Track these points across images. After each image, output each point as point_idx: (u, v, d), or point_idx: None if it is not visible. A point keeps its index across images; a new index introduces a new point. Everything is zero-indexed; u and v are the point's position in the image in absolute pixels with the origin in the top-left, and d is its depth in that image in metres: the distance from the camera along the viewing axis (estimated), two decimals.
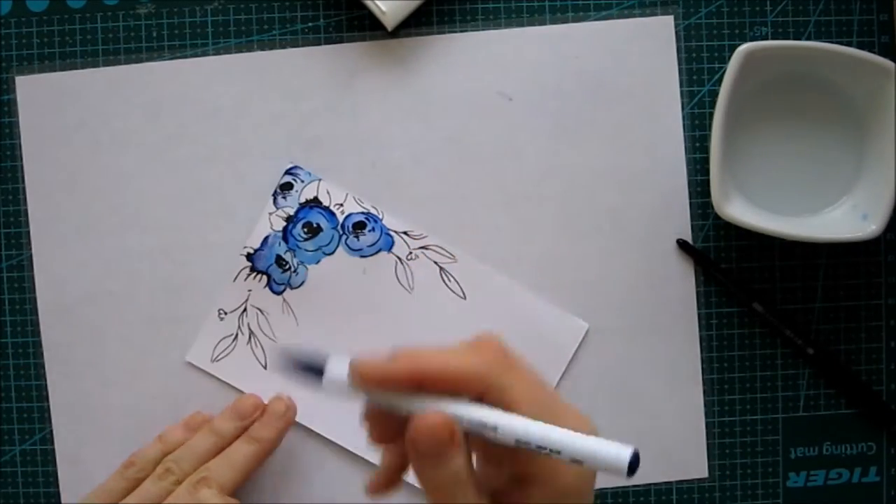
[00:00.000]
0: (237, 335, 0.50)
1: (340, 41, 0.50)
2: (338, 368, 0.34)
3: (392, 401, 0.34)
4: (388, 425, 0.35)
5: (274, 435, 0.47)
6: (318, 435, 0.50)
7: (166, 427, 0.49)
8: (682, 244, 0.51)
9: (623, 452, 0.32)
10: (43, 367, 0.50)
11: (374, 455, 0.49)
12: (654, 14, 0.50)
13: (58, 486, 0.50)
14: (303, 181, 0.50)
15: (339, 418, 0.50)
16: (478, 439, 0.34)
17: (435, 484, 0.33)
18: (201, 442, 0.47)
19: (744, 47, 0.46)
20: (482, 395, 0.33)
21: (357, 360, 0.34)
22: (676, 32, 0.50)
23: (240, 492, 0.47)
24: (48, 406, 0.50)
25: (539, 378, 0.35)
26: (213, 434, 0.47)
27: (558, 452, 0.33)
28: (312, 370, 0.35)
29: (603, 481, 0.51)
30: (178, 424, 0.49)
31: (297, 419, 0.50)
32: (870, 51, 0.49)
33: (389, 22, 0.49)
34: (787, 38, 0.51)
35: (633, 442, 0.51)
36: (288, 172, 0.50)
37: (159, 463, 0.46)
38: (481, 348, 0.35)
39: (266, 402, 0.49)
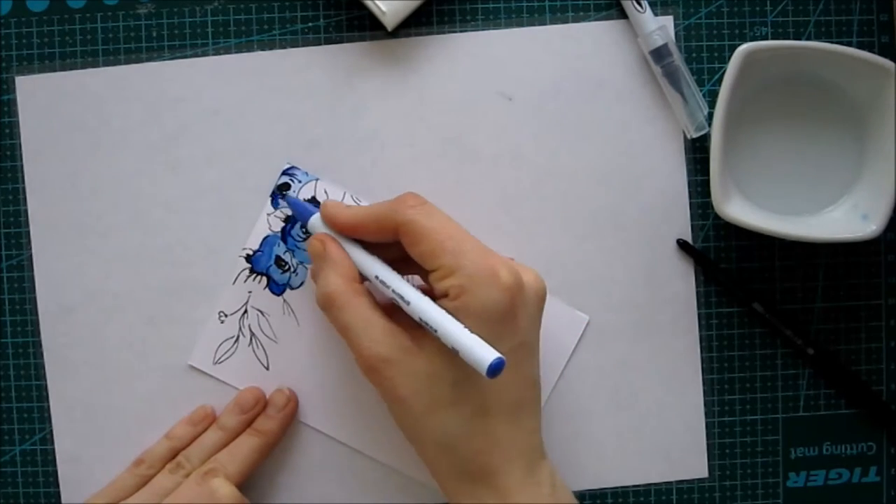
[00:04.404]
0: (238, 337, 0.50)
1: (340, 41, 0.50)
2: (316, 219, 0.47)
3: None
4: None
5: (276, 427, 0.49)
6: (321, 434, 0.50)
7: (173, 425, 0.49)
8: (682, 244, 0.51)
9: (488, 356, 0.38)
10: (43, 367, 0.50)
11: (378, 452, 0.50)
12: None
13: (58, 486, 0.50)
14: (300, 181, 0.50)
15: (342, 417, 0.50)
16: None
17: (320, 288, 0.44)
18: (209, 437, 0.48)
19: (744, 47, 0.46)
20: (397, 233, 0.42)
21: (325, 203, 0.46)
22: (676, 32, 0.50)
23: (245, 491, 0.47)
24: (48, 406, 0.50)
25: (448, 217, 0.43)
26: (219, 429, 0.49)
27: (435, 330, 0.40)
28: (303, 214, 0.47)
29: (603, 481, 0.51)
30: (183, 420, 0.49)
31: (302, 419, 0.50)
32: (870, 51, 0.49)
33: (389, 22, 0.49)
34: (787, 38, 0.51)
35: (634, 442, 0.52)
36: (285, 173, 0.50)
37: (168, 460, 0.48)
38: (398, 197, 0.44)
39: (268, 396, 0.50)
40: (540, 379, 0.45)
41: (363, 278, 0.45)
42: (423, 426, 0.42)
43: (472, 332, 0.40)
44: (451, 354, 0.41)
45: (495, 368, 0.38)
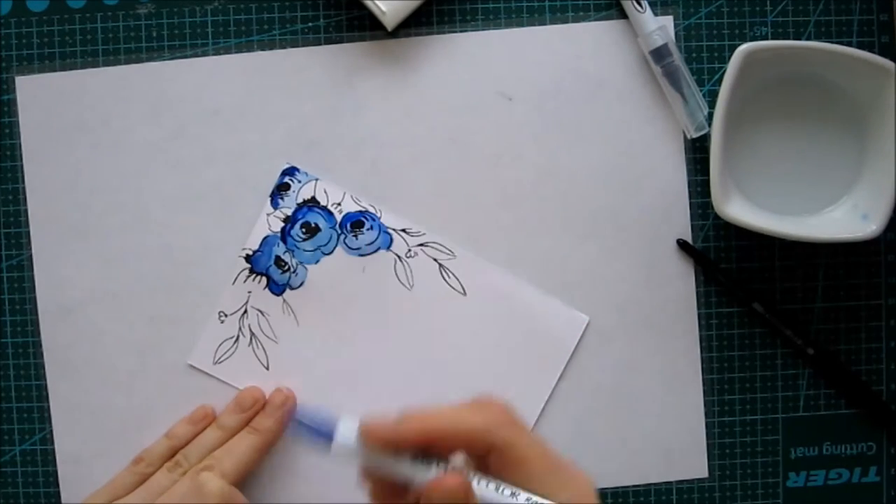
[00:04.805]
0: (238, 337, 0.50)
1: (340, 41, 0.50)
2: (347, 432, 0.35)
3: (398, 468, 0.36)
4: (389, 488, 0.36)
5: (274, 425, 0.49)
6: None
7: (173, 424, 0.49)
8: (682, 244, 0.51)
9: None
10: (43, 367, 0.50)
11: None
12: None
13: (58, 486, 0.50)
14: (300, 181, 0.50)
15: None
16: None
17: None
18: (208, 436, 0.49)
19: (744, 47, 0.46)
20: (488, 453, 0.35)
21: (366, 423, 0.35)
22: (676, 32, 0.50)
23: (244, 491, 0.47)
24: (48, 406, 0.50)
25: (539, 435, 0.37)
26: (218, 429, 0.49)
27: None
28: (322, 434, 0.35)
29: (603, 481, 0.51)
30: (182, 420, 0.50)
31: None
32: (870, 51, 0.49)
33: (389, 22, 0.49)
34: (787, 38, 0.51)
35: (634, 442, 0.52)
36: (285, 173, 0.50)
37: (167, 458, 0.48)
38: (485, 407, 0.36)
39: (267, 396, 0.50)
40: None
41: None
42: None
43: None
44: None
45: None
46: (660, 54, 0.49)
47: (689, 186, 0.51)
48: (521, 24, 0.50)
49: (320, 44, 0.50)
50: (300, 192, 0.50)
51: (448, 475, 0.35)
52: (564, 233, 0.51)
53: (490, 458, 0.36)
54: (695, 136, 0.50)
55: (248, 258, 0.50)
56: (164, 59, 0.50)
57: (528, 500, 0.35)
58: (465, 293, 0.50)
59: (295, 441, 0.50)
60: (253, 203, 0.50)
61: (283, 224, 0.50)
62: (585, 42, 0.50)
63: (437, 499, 0.34)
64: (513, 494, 0.35)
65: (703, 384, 0.51)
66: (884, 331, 0.51)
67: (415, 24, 0.50)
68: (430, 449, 0.36)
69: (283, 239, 0.50)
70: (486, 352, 0.50)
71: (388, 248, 0.50)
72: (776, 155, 0.50)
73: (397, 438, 0.35)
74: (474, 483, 0.35)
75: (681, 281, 0.51)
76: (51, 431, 0.50)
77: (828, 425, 0.51)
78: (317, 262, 0.50)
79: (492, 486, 0.35)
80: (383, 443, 0.35)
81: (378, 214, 0.50)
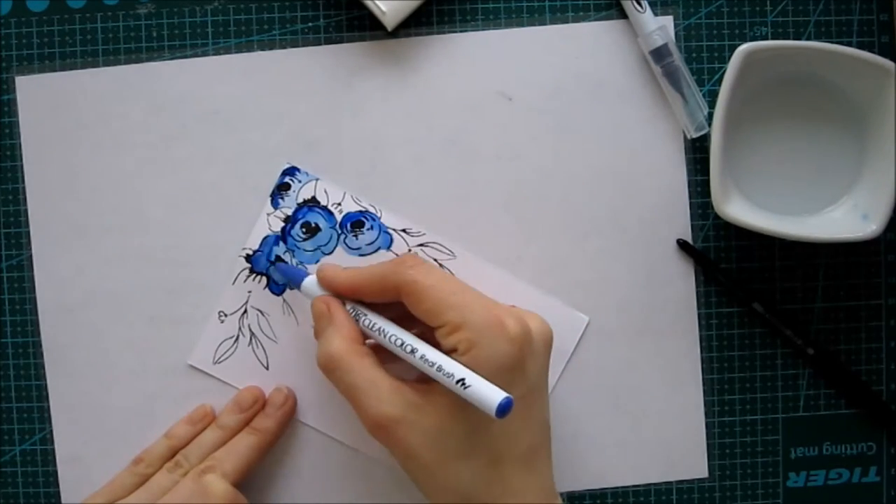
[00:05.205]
0: (238, 337, 0.50)
1: (340, 41, 0.50)
2: (310, 281, 0.47)
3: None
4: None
5: (274, 425, 0.49)
6: (320, 434, 0.50)
7: (173, 424, 0.49)
8: (682, 244, 0.51)
9: (496, 396, 0.38)
10: (43, 367, 0.50)
11: (377, 452, 0.50)
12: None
13: (58, 486, 0.50)
14: (300, 181, 0.50)
15: (342, 416, 0.50)
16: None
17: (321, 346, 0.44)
18: (207, 436, 0.49)
19: (744, 47, 0.46)
20: (399, 294, 0.43)
21: (320, 267, 0.47)
22: (676, 32, 0.50)
23: (244, 491, 0.47)
24: (48, 406, 0.50)
25: (448, 274, 0.46)
26: (218, 429, 0.49)
27: (445, 374, 0.40)
28: (295, 279, 0.48)
29: (603, 481, 0.51)
30: (182, 420, 0.50)
31: (302, 419, 0.50)
32: (870, 51, 0.49)
33: (389, 22, 0.49)
34: (787, 38, 0.51)
35: (634, 442, 0.52)
36: (285, 173, 0.50)
37: (167, 459, 0.48)
38: (397, 259, 0.45)
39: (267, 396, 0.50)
40: (550, 421, 0.45)
41: (365, 339, 0.45)
42: (437, 480, 0.42)
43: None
44: (460, 406, 0.41)
45: (504, 408, 0.38)
46: (660, 54, 0.49)
47: (689, 186, 0.51)
48: (521, 24, 0.50)
49: (320, 44, 0.50)
50: (300, 191, 0.50)
51: (315, 298, 0.46)
52: (564, 233, 0.51)
53: (403, 298, 0.43)
54: (695, 136, 0.50)
55: (248, 258, 0.50)
56: (164, 59, 0.50)
57: (393, 336, 0.43)
58: None
59: (295, 441, 0.50)
60: (253, 203, 0.50)
61: (283, 224, 0.50)
62: (585, 42, 0.50)
63: (314, 316, 0.45)
64: (380, 331, 0.43)
65: (703, 384, 0.51)
66: (884, 331, 0.51)
67: (415, 24, 0.50)
68: (359, 294, 0.45)
69: (284, 239, 0.50)
70: None
71: (389, 248, 0.50)
72: (776, 155, 0.50)
73: (336, 281, 0.45)
74: (362, 321, 0.44)
75: (681, 281, 0.51)
76: (51, 431, 0.50)
77: (828, 425, 0.51)
78: (317, 262, 0.50)
79: (369, 321, 0.44)
80: (327, 280, 0.46)
81: (378, 214, 0.50)
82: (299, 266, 0.50)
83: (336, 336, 0.43)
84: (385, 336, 0.43)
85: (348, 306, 0.45)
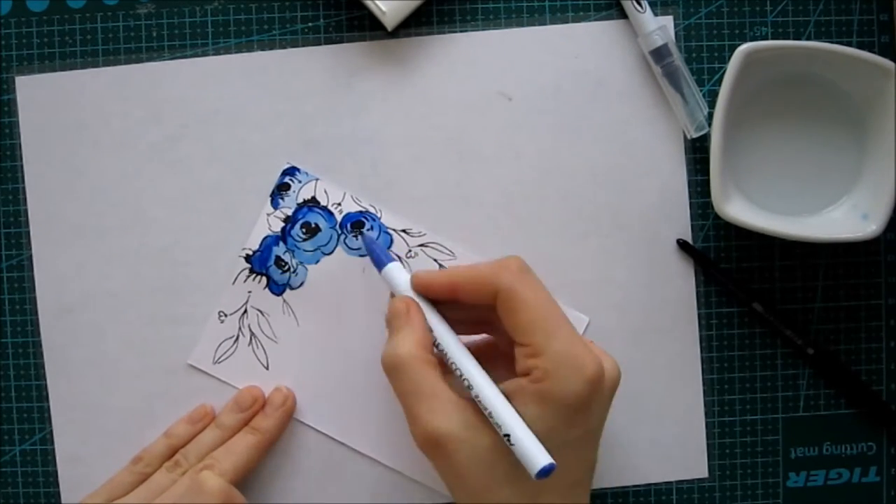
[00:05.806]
0: (238, 337, 0.50)
1: (340, 41, 0.50)
2: (398, 270, 0.46)
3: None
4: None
5: (273, 424, 0.49)
6: (320, 434, 0.50)
7: (172, 423, 0.50)
8: (682, 244, 0.51)
9: (540, 460, 0.38)
10: (43, 367, 0.50)
11: (378, 452, 0.50)
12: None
13: (58, 486, 0.50)
14: (300, 181, 0.50)
15: (342, 417, 0.50)
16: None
17: (391, 346, 0.43)
18: (207, 436, 0.49)
19: (744, 47, 0.46)
20: (495, 298, 0.41)
21: (416, 274, 0.45)
22: (676, 32, 0.50)
23: (244, 491, 0.47)
24: (48, 406, 0.50)
25: (548, 292, 0.42)
26: (217, 428, 0.49)
27: (499, 426, 0.40)
28: (380, 260, 0.46)
29: (603, 481, 0.51)
30: (182, 419, 0.50)
31: (302, 419, 0.50)
32: (870, 51, 0.49)
33: (389, 22, 0.49)
34: (787, 38, 0.51)
35: (634, 441, 0.52)
36: (285, 173, 0.50)
37: (166, 458, 0.48)
38: (501, 261, 0.43)
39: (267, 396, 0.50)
40: (597, 459, 0.44)
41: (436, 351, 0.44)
42: (478, 501, 0.41)
43: (540, 417, 0.40)
44: None
45: (545, 473, 0.38)
46: (660, 54, 0.49)
47: (689, 186, 0.51)
48: (521, 24, 0.50)
49: (320, 44, 0.50)
50: (300, 192, 0.50)
51: (396, 298, 0.45)
52: (564, 233, 0.51)
53: (497, 303, 0.41)
54: (695, 136, 0.50)
55: (248, 258, 0.50)
56: (164, 59, 0.50)
57: (453, 365, 0.42)
58: None
59: (294, 441, 0.50)
60: (253, 203, 0.50)
61: (283, 224, 0.50)
62: (585, 42, 0.50)
63: (389, 314, 0.44)
64: (444, 355, 0.42)
65: (703, 384, 0.51)
66: (884, 331, 0.51)
67: (415, 24, 0.50)
68: (456, 293, 0.43)
69: (284, 239, 0.50)
70: None
71: (389, 248, 0.50)
72: (776, 155, 0.50)
73: (435, 282, 0.44)
74: (430, 318, 0.43)
75: (681, 281, 0.51)
76: (51, 431, 0.50)
77: (828, 425, 0.51)
78: (317, 262, 0.50)
79: (439, 343, 0.43)
80: (423, 286, 0.44)
81: (378, 215, 0.50)
82: (299, 266, 0.50)
83: (408, 338, 0.42)
84: (447, 361, 0.43)
85: (428, 315, 0.44)
